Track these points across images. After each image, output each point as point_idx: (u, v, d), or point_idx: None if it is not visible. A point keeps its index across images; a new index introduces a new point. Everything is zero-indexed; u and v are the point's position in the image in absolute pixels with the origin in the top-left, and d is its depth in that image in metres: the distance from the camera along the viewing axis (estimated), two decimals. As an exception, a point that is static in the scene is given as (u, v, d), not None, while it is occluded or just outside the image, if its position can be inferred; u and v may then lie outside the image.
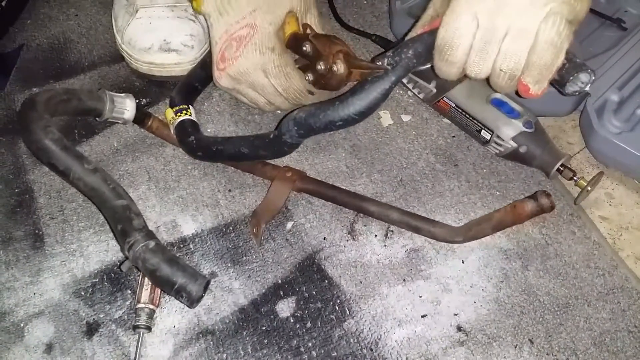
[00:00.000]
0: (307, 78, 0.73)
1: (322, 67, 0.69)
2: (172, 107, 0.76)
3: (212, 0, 0.72)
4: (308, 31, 0.73)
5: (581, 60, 0.57)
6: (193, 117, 0.75)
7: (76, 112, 0.71)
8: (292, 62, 0.74)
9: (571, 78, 0.56)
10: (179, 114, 0.75)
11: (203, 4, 0.73)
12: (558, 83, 0.59)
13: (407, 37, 0.64)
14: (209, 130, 0.79)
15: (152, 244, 0.59)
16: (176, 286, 0.58)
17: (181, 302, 0.59)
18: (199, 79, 0.81)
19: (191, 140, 0.73)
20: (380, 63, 0.61)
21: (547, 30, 0.53)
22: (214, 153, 0.72)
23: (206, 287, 0.59)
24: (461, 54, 0.56)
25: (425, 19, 0.64)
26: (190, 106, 0.76)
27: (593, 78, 0.56)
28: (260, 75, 0.72)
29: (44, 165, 0.67)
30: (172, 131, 0.75)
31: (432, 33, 0.58)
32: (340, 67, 0.68)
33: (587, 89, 0.57)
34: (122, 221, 0.61)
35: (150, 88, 0.84)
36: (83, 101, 0.71)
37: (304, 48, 0.71)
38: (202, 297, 0.59)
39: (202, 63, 0.81)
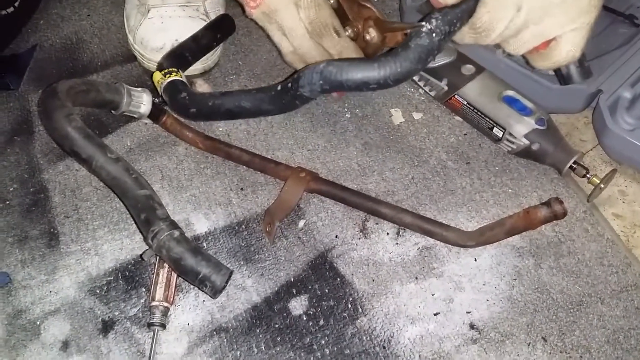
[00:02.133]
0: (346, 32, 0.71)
1: (349, 33, 0.67)
2: (160, 70, 0.74)
3: None
4: None
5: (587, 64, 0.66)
6: (183, 79, 0.74)
7: (94, 103, 0.72)
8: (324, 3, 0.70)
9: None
10: (167, 75, 0.73)
11: None
12: (562, 77, 0.63)
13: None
14: (220, 129, 0.79)
15: (176, 233, 0.60)
16: (200, 276, 0.58)
17: (204, 291, 0.59)
18: (189, 50, 0.79)
19: (183, 97, 0.70)
20: (425, 25, 0.58)
21: (569, 40, 0.63)
22: (210, 109, 0.68)
23: (229, 278, 0.59)
24: (494, 37, 0.62)
25: None
26: (180, 70, 0.74)
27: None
28: (291, 12, 0.69)
29: (66, 154, 0.68)
30: (160, 93, 0.73)
31: (471, 6, 0.59)
32: (373, 36, 0.65)
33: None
34: (146, 210, 0.61)
35: (162, 87, 0.84)
36: (101, 93, 0.71)
37: (330, 1, 0.68)
38: (224, 287, 0.59)
39: (194, 36, 0.80)
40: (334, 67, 0.60)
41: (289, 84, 0.64)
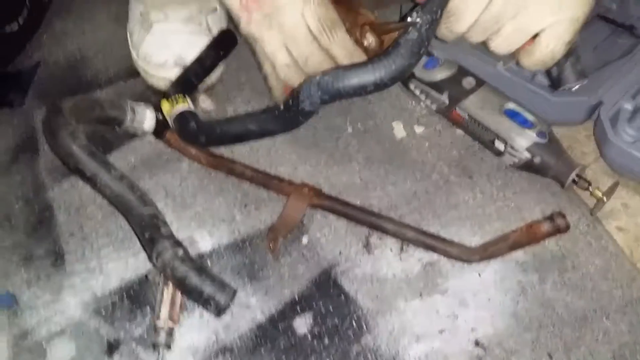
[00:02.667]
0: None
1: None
2: (167, 98, 0.75)
3: None
4: None
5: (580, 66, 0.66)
6: (191, 106, 0.75)
7: (98, 120, 0.72)
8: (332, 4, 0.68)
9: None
10: (175, 103, 0.74)
11: None
12: (553, 79, 0.64)
13: None
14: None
15: (180, 252, 0.60)
16: (204, 295, 0.58)
17: (208, 311, 0.60)
18: (194, 74, 0.80)
19: (192, 127, 0.72)
20: (409, 20, 0.59)
21: (550, 33, 0.60)
22: (219, 135, 0.69)
23: (233, 297, 0.59)
24: (464, 26, 0.61)
25: None
26: (186, 95, 0.75)
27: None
28: (296, 11, 0.65)
29: (71, 171, 0.69)
30: (170, 124, 0.74)
31: None
32: (371, 41, 0.66)
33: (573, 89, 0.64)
34: (150, 228, 0.62)
35: (165, 103, 0.85)
36: (105, 110, 0.72)
37: None
38: (229, 306, 0.59)
39: (198, 58, 0.81)
40: (330, 77, 0.61)
41: (290, 101, 0.64)
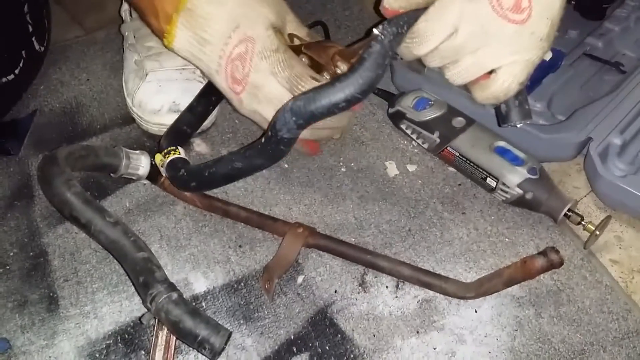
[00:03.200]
0: None
1: (328, 77, 0.69)
2: (160, 152, 0.76)
3: (184, 34, 0.70)
4: (296, 41, 0.73)
5: (527, 106, 0.67)
6: (183, 155, 0.75)
7: (94, 167, 0.73)
8: (297, 57, 0.71)
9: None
10: (167, 155, 0.74)
11: (175, 41, 0.71)
12: (501, 116, 0.69)
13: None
14: (218, 188, 0.80)
15: (174, 295, 0.60)
16: (199, 338, 0.58)
17: (203, 354, 0.59)
18: (186, 122, 0.81)
19: (182, 174, 0.72)
20: (374, 31, 0.60)
21: (507, 71, 0.63)
22: (208, 179, 0.70)
23: (228, 339, 0.59)
24: (425, 50, 0.63)
25: None
26: (178, 147, 0.76)
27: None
28: (273, 82, 0.69)
29: (66, 219, 0.69)
30: (163, 174, 0.75)
31: (419, 14, 0.61)
32: (343, 67, 0.68)
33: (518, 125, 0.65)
34: (144, 273, 0.62)
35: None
36: (100, 157, 0.73)
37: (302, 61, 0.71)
38: (224, 349, 0.59)
39: (190, 107, 0.81)
40: (301, 101, 0.62)
41: (269, 132, 0.65)
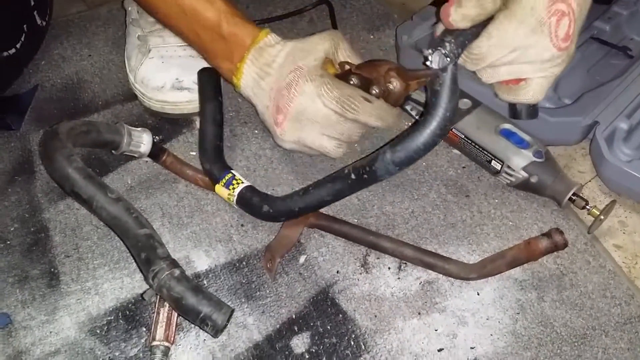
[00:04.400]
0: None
1: (377, 91, 0.70)
2: (217, 182, 0.73)
3: (251, 70, 0.72)
4: (347, 67, 0.73)
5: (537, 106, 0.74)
6: (244, 181, 0.73)
7: (95, 143, 0.73)
8: (344, 82, 0.72)
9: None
10: (230, 187, 0.72)
11: (242, 78, 0.73)
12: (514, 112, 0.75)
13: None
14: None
15: (177, 272, 0.60)
16: (201, 315, 0.58)
17: (205, 331, 0.59)
18: (217, 136, 0.78)
19: (267, 211, 0.71)
20: (429, 60, 0.61)
21: (539, 84, 0.70)
22: (299, 212, 0.70)
23: (230, 316, 0.59)
24: (480, 67, 0.68)
25: (481, 12, 0.64)
26: (232, 170, 0.74)
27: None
28: (318, 105, 0.69)
29: (67, 194, 0.69)
30: (235, 206, 0.73)
31: (477, 31, 0.64)
32: (396, 84, 0.69)
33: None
34: (146, 249, 0.61)
35: (162, 126, 0.85)
36: (102, 133, 0.72)
37: (352, 82, 0.71)
38: (226, 326, 0.59)
39: (212, 120, 0.78)
40: (399, 152, 0.63)
41: (365, 175, 0.65)
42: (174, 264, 0.61)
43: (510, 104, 0.74)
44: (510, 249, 0.67)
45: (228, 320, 0.59)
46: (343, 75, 0.72)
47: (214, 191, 0.74)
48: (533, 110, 0.74)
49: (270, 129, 0.75)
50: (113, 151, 0.75)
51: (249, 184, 0.73)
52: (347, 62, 0.73)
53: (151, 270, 0.60)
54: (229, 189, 0.72)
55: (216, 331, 0.58)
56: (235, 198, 0.72)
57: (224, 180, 0.73)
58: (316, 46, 0.72)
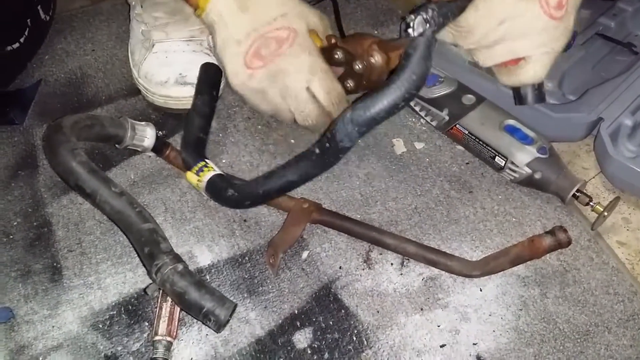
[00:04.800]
0: (348, 85, 0.74)
1: (360, 66, 0.69)
2: (189, 169, 0.73)
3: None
4: (333, 41, 0.73)
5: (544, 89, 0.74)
6: (216, 170, 0.72)
7: (99, 137, 0.72)
8: (334, 73, 0.73)
9: None
10: (201, 173, 0.72)
11: (211, 4, 0.70)
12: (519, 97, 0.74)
13: None
14: (223, 161, 0.80)
15: (180, 267, 0.60)
16: (204, 310, 0.58)
17: (208, 326, 0.59)
18: (200, 128, 0.77)
19: (231, 195, 0.70)
20: (410, 26, 0.61)
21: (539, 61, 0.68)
22: (263, 196, 0.69)
23: (233, 311, 0.59)
24: (470, 41, 0.67)
25: None
26: (206, 159, 0.73)
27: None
28: (301, 78, 0.70)
29: (71, 188, 0.69)
30: (203, 194, 0.73)
31: (463, 5, 0.64)
32: (377, 58, 0.68)
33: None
34: (149, 244, 0.61)
35: (166, 120, 0.85)
36: (105, 127, 0.72)
37: (336, 56, 0.71)
38: (228, 321, 0.59)
39: (197, 111, 0.77)
40: (361, 110, 0.61)
41: (327, 144, 0.64)
42: (177, 258, 0.61)
43: (515, 90, 0.73)
44: (513, 246, 0.67)
45: (231, 315, 0.59)
46: (328, 49, 0.72)
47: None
48: (539, 94, 0.72)
49: (230, 65, 0.73)
50: (117, 145, 0.75)
51: (220, 172, 0.72)
52: (333, 36, 0.74)
53: (154, 265, 0.60)
54: (199, 176, 0.71)
55: (219, 326, 0.58)
56: (204, 184, 0.71)
57: (195, 168, 0.72)
58: (309, 15, 0.72)
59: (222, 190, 0.71)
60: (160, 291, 0.63)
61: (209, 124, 0.79)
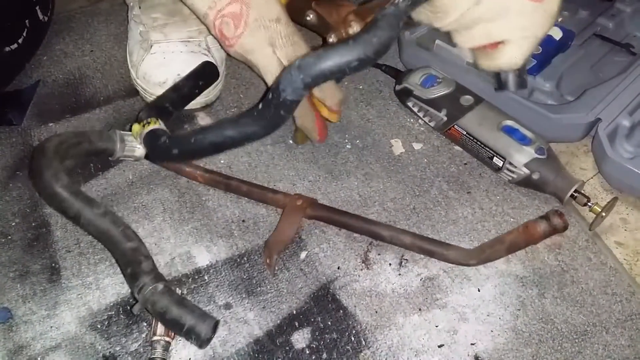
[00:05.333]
0: None
1: (335, 40, 0.66)
2: (138, 122, 0.72)
3: None
4: None
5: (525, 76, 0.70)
6: (163, 127, 0.71)
7: (88, 153, 0.72)
8: (298, 31, 0.69)
9: None
10: (146, 125, 0.70)
11: None
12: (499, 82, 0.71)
13: None
14: (222, 162, 0.80)
15: (160, 286, 0.60)
16: (185, 327, 0.58)
17: (191, 343, 0.59)
18: (169, 100, 0.77)
19: (163, 142, 0.67)
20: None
21: (516, 46, 0.65)
22: (193, 146, 0.64)
23: (215, 327, 0.59)
24: (445, 22, 0.64)
25: None
26: (159, 119, 0.72)
27: None
28: (267, 52, 0.68)
29: (55, 211, 0.69)
30: (140, 144, 0.72)
31: None
32: (356, 29, 0.65)
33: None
34: (132, 265, 0.62)
35: (164, 121, 0.85)
36: (94, 143, 0.71)
37: (308, 18, 0.66)
38: (211, 338, 0.59)
39: (174, 86, 0.79)
40: (312, 58, 0.57)
41: (270, 95, 0.60)
42: (158, 277, 0.61)
43: (495, 75, 0.72)
44: (508, 233, 0.66)
45: (213, 332, 0.59)
46: (299, 8, 0.67)
47: (208, 185, 0.74)
48: (520, 80, 0.70)
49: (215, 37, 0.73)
50: (110, 158, 0.74)
51: (164, 128, 0.70)
52: None
53: (136, 286, 0.60)
54: (144, 127, 0.70)
55: (201, 343, 0.58)
56: (144, 133, 0.70)
57: (144, 121, 0.71)
58: None
59: (156, 139, 0.69)
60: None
61: (180, 103, 0.78)
